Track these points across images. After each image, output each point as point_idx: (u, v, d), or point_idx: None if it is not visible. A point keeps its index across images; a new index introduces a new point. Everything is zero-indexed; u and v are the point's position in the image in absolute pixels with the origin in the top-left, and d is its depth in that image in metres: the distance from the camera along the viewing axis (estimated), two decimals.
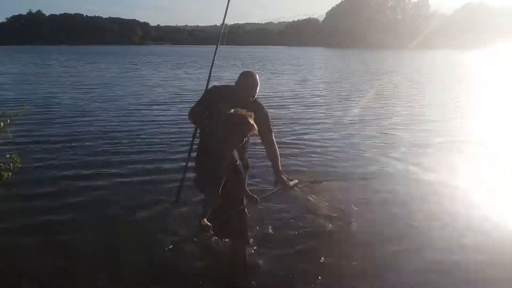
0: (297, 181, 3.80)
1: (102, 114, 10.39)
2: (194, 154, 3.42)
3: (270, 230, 4.03)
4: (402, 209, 4.65)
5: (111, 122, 9.43)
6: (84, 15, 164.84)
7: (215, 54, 3.87)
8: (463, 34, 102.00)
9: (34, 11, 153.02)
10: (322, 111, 11.54)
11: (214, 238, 3.54)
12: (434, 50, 74.89)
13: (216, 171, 2.73)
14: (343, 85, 18.76)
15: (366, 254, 3.70)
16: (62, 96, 13.75)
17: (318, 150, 7.13)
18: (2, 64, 32.55)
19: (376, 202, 4.83)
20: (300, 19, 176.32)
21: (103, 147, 7.07)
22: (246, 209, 3.48)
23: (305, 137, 8.17)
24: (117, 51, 68.12)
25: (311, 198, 4.34)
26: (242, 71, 3.46)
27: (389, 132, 8.68)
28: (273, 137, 3.48)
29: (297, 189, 3.93)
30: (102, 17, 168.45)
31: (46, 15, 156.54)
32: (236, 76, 3.38)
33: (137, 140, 7.61)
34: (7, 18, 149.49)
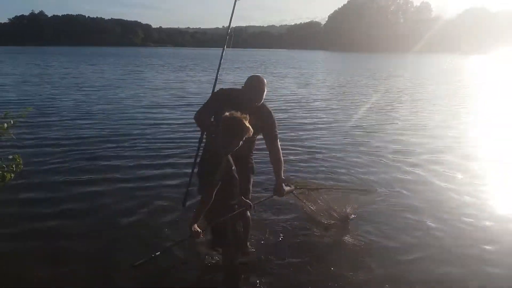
0: (293, 187, 3.80)
1: (104, 117, 10.37)
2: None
3: (265, 239, 3.94)
4: (407, 217, 4.59)
5: (113, 124, 9.40)
6: (86, 16, 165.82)
7: (221, 57, 3.83)
8: (465, 39, 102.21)
9: (36, 11, 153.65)
10: (324, 115, 11.49)
11: (205, 244, 3.47)
12: (436, 54, 74.91)
13: (212, 175, 2.69)
14: (345, 89, 18.74)
15: (364, 263, 3.61)
16: (64, 98, 13.74)
17: (318, 155, 7.06)
18: (4, 65, 32.61)
19: (376, 210, 4.73)
20: (302, 22, 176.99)
21: (105, 150, 7.02)
22: (249, 214, 3.45)
23: (306, 142, 8.12)
24: (118, 53, 68.25)
25: (306, 205, 4.24)
26: (246, 74, 3.48)
27: (394, 138, 8.61)
28: (278, 144, 3.45)
29: (294, 193, 3.90)
30: (104, 18, 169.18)
31: (49, 16, 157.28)
32: (239, 79, 3.36)
33: (140, 144, 7.57)
34: (9, 19, 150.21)
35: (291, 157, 6.61)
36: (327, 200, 4.25)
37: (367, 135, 8.82)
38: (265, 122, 3.35)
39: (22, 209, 4.53)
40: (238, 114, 2.69)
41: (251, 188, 3.52)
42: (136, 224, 4.20)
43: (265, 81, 3.33)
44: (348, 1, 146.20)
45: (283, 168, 3.44)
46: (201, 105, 3.46)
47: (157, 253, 2.89)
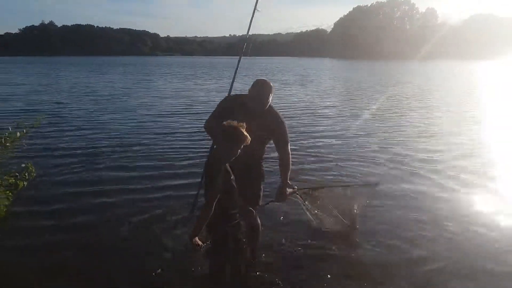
0: (296, 187, 3.74)
1: (113, 126, 10.47)
2: None
3: (270, 243, 3.94)
4: (408, 217, 4.62)
5: (123, 134, 9.47)
6: (95, 26, 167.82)
7: (238, 65, 3.88)
8: (472, 45, 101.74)
9: (46, 22, 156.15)
10: (332, 122, 11.50)
11: (206, 256, 3.37)
12: (443, 60, 74.56)
13: (211, 185, 2.67)
14: (353, 96, 18.74)
15: (369, 277, 3.58)
16: (74, 107, 13.93)
17: (328, 164, 7.06)
18: (15, 75, 33.15)
19: (380, 210, 4.77)
20: (308, 30, 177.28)
21: (114, 160, 7.03)
22: (258, 221, 3.43)
23: (314, 148, 8.15)
24: (127, 62, 69.00)
25: (308, 207, 4.12)
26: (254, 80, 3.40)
27: (405, 144, 8.60)
28: (289, 149, 3.41)
29: (296, 194, 3.85)
30: (113, 28, 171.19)
31: (58, 26, 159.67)
32: (246, 87, 3.33)
33: (149, 153, 7.57)
34: (20, 29, 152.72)
35: (299, 164, 6.63)
36: (331, 198, 4.14)
37: (376, 143, 8.79)
38: (275, 126, 3.33)
39: (31, 221, 4.50)
40: (235, 122, 2.70)
41: (261, 195, 3.48)
42: (142, 237, 4.13)
43: (271, 84, 3.28)
44: (353, 8, 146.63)
45: (289, 173, 3.41)
46: (210, 114, 3.47)
47: (158, 271, 2.83)
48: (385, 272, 3.55)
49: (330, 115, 12.84)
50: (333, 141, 8.92)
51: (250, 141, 3.28)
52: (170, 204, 4.96)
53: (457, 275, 3.53)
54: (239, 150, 2.73)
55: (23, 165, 5.14)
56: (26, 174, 5.16)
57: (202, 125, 3.47)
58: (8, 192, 4.70)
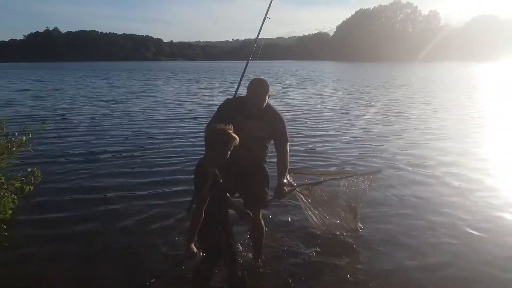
0: (295, 184, 3.73)
1: (117, 131, 10.51)
2: None
3: (270, 245, 3.92)
4: (412, 223, 4.60)
5: (127, 139, 9.49)
6: (99, 31, 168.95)
7: (245, 69, 3.90)
8: (474, 47, 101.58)
9: (50, 28, 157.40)
10: (336, 125, 11.51)
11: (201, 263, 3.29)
12: (445, 62, 74.45)
13: (199, 189, 2.64)
14: (356, 99, 18.70)
15: (373, 265, 3.61)
16: (78, 112, 14.00)
17: (333, 168, 7.06)
18: (20, 81, 33.41)
19: (389, 221, 4.69)
20: (311, 34, 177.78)
21: (119, 166, 7.03)
22: (263, 223, 3.41)
23: (318, 152, 8.17)
24: (131, 67, 69.33)
25: (308, 205, 4.03)
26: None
27: (409, 146, 8.60)
28: (287, 147, 3.39)
29: (296, 191, 3.81)
30: (116, 33, 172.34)
31: (62, 32, 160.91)
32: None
33: (153, 159, 7.54)
34: (24, 36, 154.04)
35: (302, 167, 6.63)
36: (332, 193, 4.03)
37: (380, 146, 8.77)
38: (275, 125, 3.33)
39: (36, 230, 4.47)
40: (222, 125, 2.69)
41: (268, 198, 3.44)
42: (143, 245, 4.11)
43: (267, 82, 3.28)
44: (356, 12, 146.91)
45: (287, 171, 3.39)
46: (210, 118, 3.47)
47: (152, 280, 2.79)
48: (384, 280, 3.50)
49: (333, 118, 12.83)
50: (337, 144, 8.92)
51: (252, 144, 3.28)
52: (175, 211, 4.87)
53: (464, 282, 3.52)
54: (228, 152, 2.68)
55: (29, 169, 5.19)
56: (32, 179, 5.21)
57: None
58: (14, 196, 4.75)
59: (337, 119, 12.52)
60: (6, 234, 4.10)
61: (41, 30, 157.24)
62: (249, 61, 4.24)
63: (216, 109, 3.48)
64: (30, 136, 4.95)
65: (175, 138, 9.56)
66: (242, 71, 3.92)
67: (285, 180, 3.37)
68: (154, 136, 9.89)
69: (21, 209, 4.75)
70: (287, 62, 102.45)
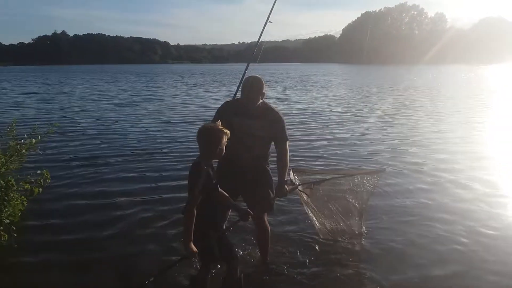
0: (297, 183, 3.68)
1: (125, 134, 10.55)
2: None
3: (270, 250, 3.82)
4: (419, 229, 4.55)
5: (135, 142, 9.49)
6: (107, 35, 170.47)
7: (245, 72, 3.92)
8: (482, 49, 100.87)
9: (59, 31, 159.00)
10: (342, 128, 11.47)
11: (197, 264, 3.25)
12: (452, 64, 74.00)
13: (191, 188, 2.62)
14: (362, 102, 18.65)
15: (376, 266, 3.58)
16: (86, 115, 14.11)
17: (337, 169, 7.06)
18: (28, 83, 33.77)
19: (394, 221, 4.68)
20: (317, 36, 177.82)
21: (126, 170, 7.00)
22: (267, 224, 3.38)
23: (323, 155, 8.14)
24: (138, 70, 69.70)
25: (310, 205, 3.92)
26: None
27: (416, 149, 8.55)
28: (287, 146, 3.39)
29: (298, 190, 3.75)
30: (124, 36, 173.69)
31: (70, 35, 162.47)
32: None
33: (160, 162, 7.51)
34: (33, 39, 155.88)
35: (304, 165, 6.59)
36: (335, 192, 3.94)
37: (386, 149, 8.72)
38: (274, 124, 3.34)
39: (40, 235, 4.48)
40: (211, 123, 2.74)
41: (272, 202, 3.41)
42: (149, 252, 4.07)
43: (262, 79, 3.28)
44: (362, 14, 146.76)
45: (287, 170, 3.37)
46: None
47: (150, 279, 2.77)
48: None
49: (339, 120, 12.78)
50: (343, 147, 8.88)
51: (252, 144, 3.30)
52: (176, 217, 4.74)
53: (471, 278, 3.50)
54: (222, 146, 2.68)
55: (38, 171, 5.22)
56: (42, 181, 5.23)
57: None
58: (23, 198, 4.78)
59: (342, 122, 12.46)
60: (15, 235, 4.11)
61: (49, 33, 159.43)
62: (252, 64, 4.26)
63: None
64: (39, 138, 4.98)
65: (183, 142, 9.50)
66: (242, 74, 3.93)
67: (286, 179, 3.36)
68: (162, 139, 9.87)
69: (29, 212, 4.77)
70: (293, 65, 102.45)
